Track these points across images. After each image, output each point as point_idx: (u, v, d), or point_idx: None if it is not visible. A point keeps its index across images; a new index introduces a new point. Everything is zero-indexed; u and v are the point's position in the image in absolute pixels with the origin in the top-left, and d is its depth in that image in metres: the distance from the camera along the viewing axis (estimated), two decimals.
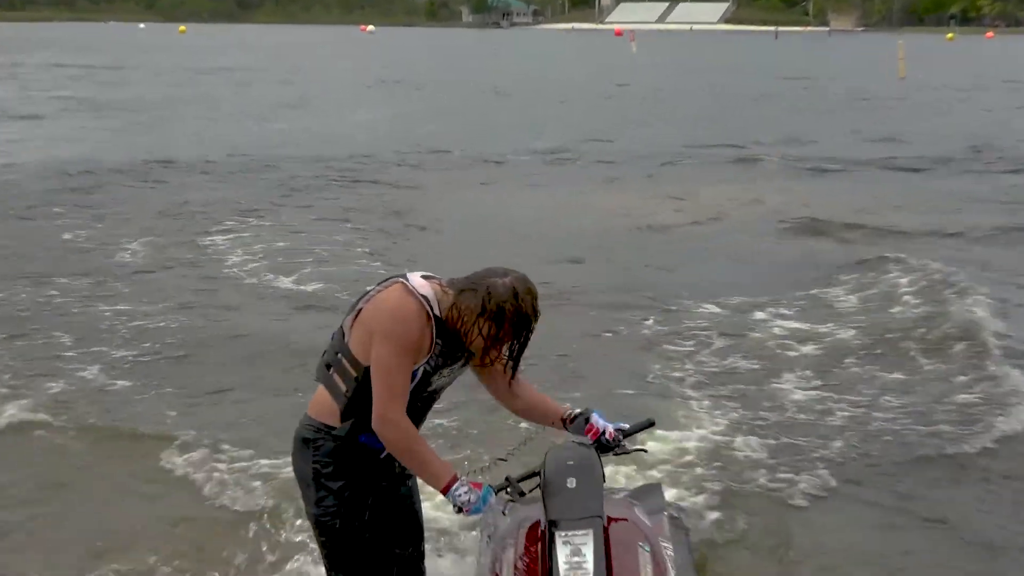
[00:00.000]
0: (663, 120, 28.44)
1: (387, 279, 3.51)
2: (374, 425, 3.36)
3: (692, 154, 21.80)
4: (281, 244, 13.22)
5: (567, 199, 16.76)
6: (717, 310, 10.23)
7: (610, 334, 9.56)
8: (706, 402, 7.75)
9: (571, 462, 3.45)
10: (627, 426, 3.78)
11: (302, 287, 11.20)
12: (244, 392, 8.08)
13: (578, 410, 3.73)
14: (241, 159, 20.53)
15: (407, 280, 3.42)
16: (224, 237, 13.65)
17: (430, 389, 3.52)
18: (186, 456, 6.63)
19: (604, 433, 3.69)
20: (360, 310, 3.47)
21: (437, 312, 3.39)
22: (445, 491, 3.39)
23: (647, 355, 8.89)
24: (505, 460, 3.80)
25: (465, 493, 3.37)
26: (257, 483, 6.32)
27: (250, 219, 14.88)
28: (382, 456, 3.54)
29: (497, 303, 3.32)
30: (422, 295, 3.38)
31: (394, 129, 25.87)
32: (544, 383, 7.43)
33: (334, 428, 3.48)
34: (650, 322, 9.86)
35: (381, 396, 3.35)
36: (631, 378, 8.26)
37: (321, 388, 3.53)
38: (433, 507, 4.99)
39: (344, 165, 20.13)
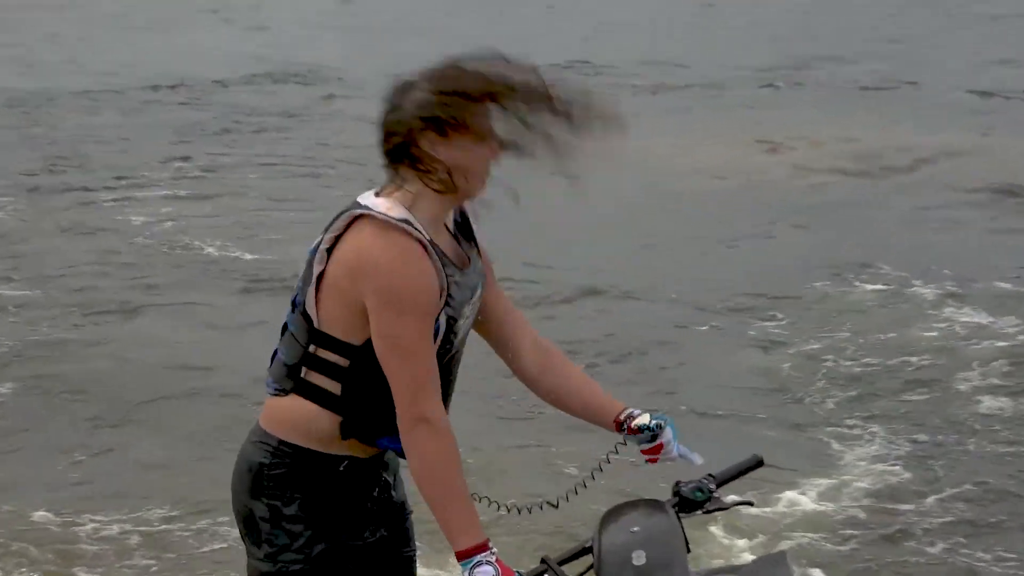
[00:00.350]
0: (763, 33, 28.18)
1: (334, 220, 3.44)
2: (403, 432, 3.41)
3: (805, 77, 21.77)
4: (217, 206, 13.29)
5: (628, 142, 16.55)
6: (865, 296, 10.41)
7: (706, 329, 9.71)
8: (856, 429, 7.80)
9: (636, 528, 3.41)
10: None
11: (248, 263, 11.24)
12: (156, 422, 8.04)
13: (639, 412, 3.69)
14: (157, 88, 20.62)
15: (370, 209, 3.39)
16: (132, 194, 13.67)
17: (456, 342, 3.52)
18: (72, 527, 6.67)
19: (676, 452, 3.67)
20: (322, 274, 3.45)
21: (428, 236, 3.38)
22: (462, 558, 3.34)
23: (764, 359, 9.01)
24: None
25: None
26: None
27: (175, 165, 14.99)
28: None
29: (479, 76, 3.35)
30: (401, 220, 3.36)
31: (387, 41, 25.61)
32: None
33: (315, 450, 3.51)
34: (768, 314, 9.99)
35: (408, 391, 3.38)
36: (742, 393, 8.37)
37: (286, 398, 3.56)
38: None
39: (312, 94, 20.18)
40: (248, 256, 11.37)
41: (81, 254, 11.43)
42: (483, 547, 3.33)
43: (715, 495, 3.60)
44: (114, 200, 13.43)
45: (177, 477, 7.02)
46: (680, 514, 3.54)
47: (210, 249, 11.61)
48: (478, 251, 3.59)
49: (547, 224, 11.15)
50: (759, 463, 3.75)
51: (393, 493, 3.63)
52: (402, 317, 3.33)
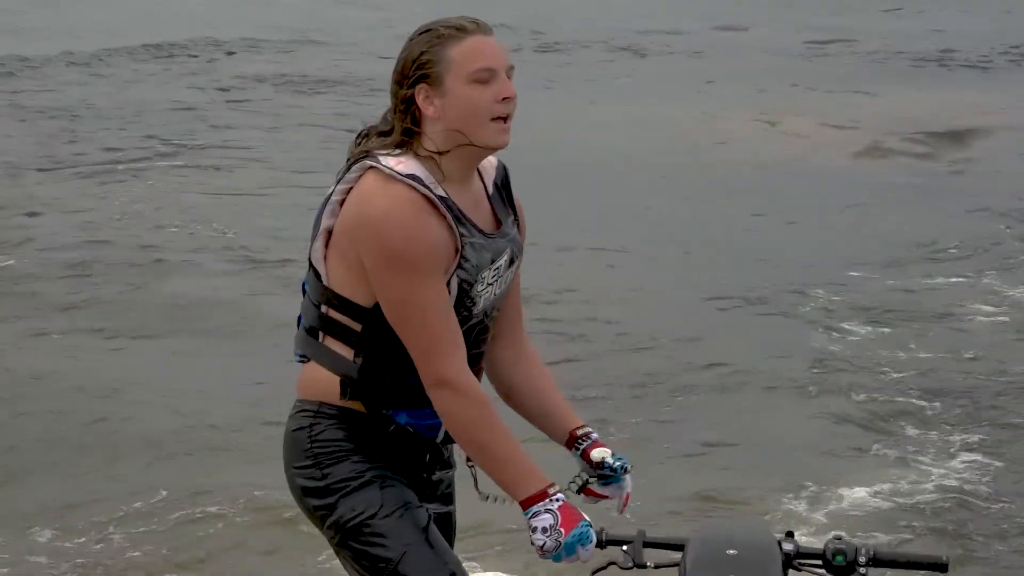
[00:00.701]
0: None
1: (347, 170, 3.48)
2: (429, 396, 3.46)
3: (832, 44, 21.84)
4: (222, 180, 13.32)
5: (665, 113, 16.67)
6: (927, 282, 10.40)
7: (742, 307, 9.73)
8: (921, 423, 7.79)
9: (733, 551, 3.36)
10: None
11: (248, 242, 11.23)
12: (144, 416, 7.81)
13: (597, 437, 3.70)
14: (158, 56, 20.62)
15: (378, 161, 3.42)
16: (128, 168, 13.68)
17: (475, 311, 3.52)
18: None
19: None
20: (330, 229, 3.48)
21: (440, 191, 3.41)
22: (524, 507, 3.39)
23: (811, 336, 9.06)
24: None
25: (545, 531, 3.34)
26: None
27: (175, 140, 14.99)
28: (439, 440, 3.62)
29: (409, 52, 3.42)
30: (407, 175, 3.39)
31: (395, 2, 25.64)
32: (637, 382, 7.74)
33: (347, 409, 3.54)
34: (813, 293, 10.00)
35: (420, 353, 3.42)
36: (794, 380, 8.33)
37: (311, 365, 3.60)
38: None
39: (311, 56, 20.36)
40: (246, 234, 11.40)
41: (72, 231, 11.44)
42: (542, 495, 3.36)
43: (861, 570, 3.46)
44: (107, 175, 13.43)
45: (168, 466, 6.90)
46: (809, 567, 3.49)
47: (211, 230, 11.60)
48: (516, 220, 3.60)
49: (580, 204, 11.36)
50: (938, 566, 3.53)
51: (442, 473, 3.65)
52: (402, 276, 3.35)
